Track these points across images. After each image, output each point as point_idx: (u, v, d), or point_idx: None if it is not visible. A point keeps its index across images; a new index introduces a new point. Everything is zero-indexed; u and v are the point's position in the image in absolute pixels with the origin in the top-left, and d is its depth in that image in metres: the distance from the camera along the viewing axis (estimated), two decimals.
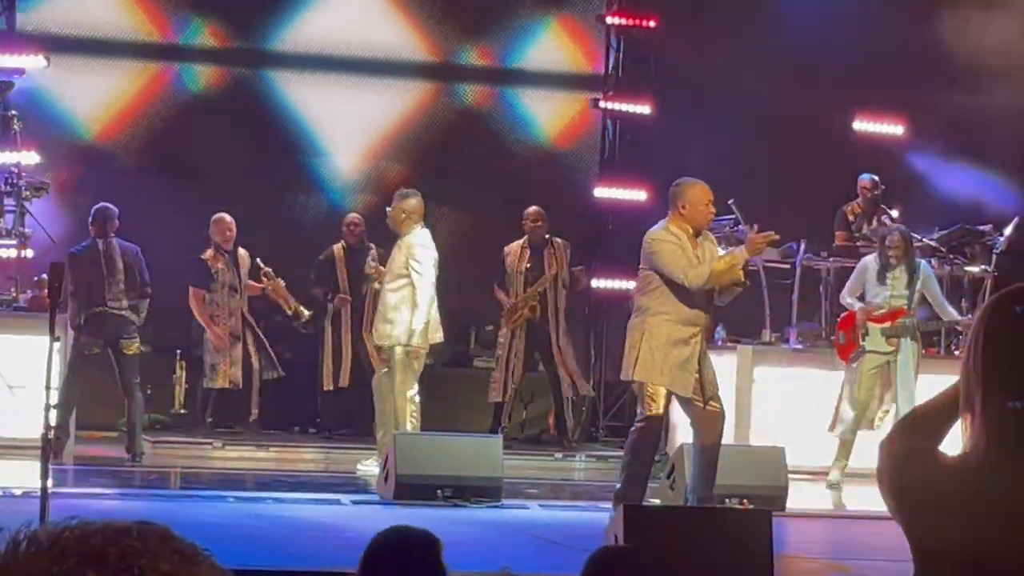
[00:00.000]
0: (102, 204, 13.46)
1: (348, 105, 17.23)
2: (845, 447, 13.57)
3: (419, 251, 12.56)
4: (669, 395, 10.21)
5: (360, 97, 17.32)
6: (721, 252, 15.26)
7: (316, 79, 17.25)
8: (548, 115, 17.97)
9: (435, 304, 12.64)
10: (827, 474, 13.66)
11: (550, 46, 17.88)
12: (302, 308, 15.08)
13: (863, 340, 13.64)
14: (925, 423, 2.89)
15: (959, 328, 14.11)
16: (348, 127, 17.26)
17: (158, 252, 14.23)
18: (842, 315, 14.02)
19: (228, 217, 14.83)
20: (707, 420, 10.16)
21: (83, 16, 16.57)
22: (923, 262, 13.91)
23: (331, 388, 15.34)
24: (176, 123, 16.74)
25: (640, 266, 10.44)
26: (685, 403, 10.24)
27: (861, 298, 13.76)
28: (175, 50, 16.95)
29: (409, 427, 12.42)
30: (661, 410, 10.20)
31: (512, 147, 17.71)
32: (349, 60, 17.23)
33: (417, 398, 12.62)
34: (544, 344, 15.50)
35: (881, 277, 13.59)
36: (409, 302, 12.58)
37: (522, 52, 17.78)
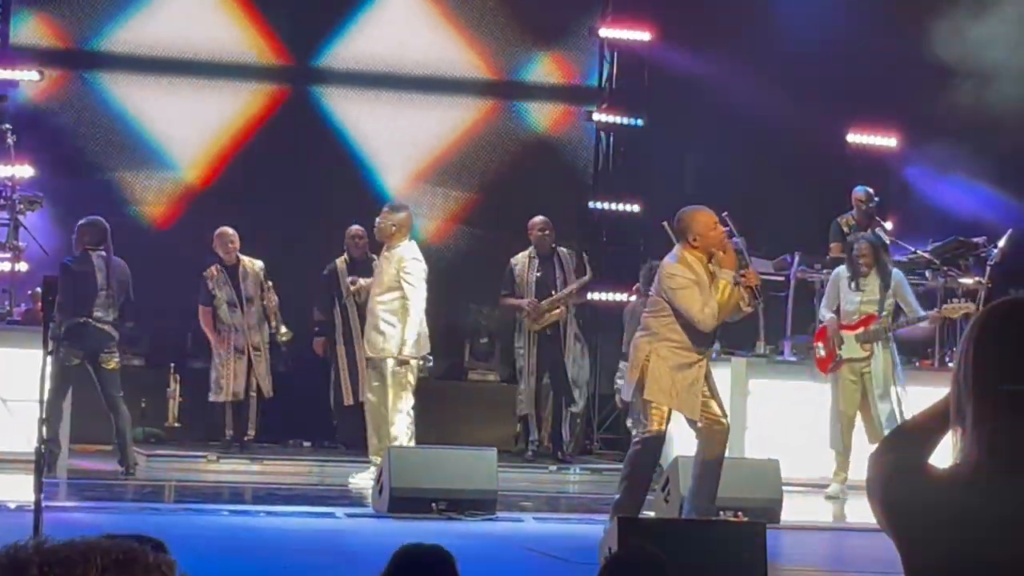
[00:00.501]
0: (95, 217, 13.43)
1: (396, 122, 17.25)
2: (842, 459, 13.58)
3: (410, 264, 12.67)
4: (671, 412, 10.22)
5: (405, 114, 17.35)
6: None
7: (367, 96, 17.28)
8: (543, 127, 17.98)
9: (424, 317, 12.74)
10: (822, 486, 13.68)
11: (544, 58, 17.90)
12: (284, 328, 15.03)
13: (839, 349, 13.69)
14: (914, 436, 2.88)
15: (926, 323, 14.06)
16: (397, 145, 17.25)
17: (153, 265, 14.29)
18: (817, 328, 14.07)
19: (230, 230, 14.83)
20: (714, 436, 10.20)
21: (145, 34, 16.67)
22: (895, 269, 13.95)
23: (352, 403, 15.26)
24: (222, 140, 16.76)
25: (651, 289, 10.47)
26: (692, 420, 10.28)
27: (839, 309, 13.81)
28: (231, 68, 16.97)
29: (404, 441, 12.44)
30: (664, 427, 10.23)
31: (506, 160, 17.71)
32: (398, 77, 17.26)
33: (411, 412, 12.64)
34: (557, 355, 15.49)
35: (853, 284, 13.66)
36: (401, 314, 12.66)
37: (519, 66, 17.82)
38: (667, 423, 10.23)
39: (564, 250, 15.65)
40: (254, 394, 14.90)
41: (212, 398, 14.85)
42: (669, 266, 10.21)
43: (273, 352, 15.45)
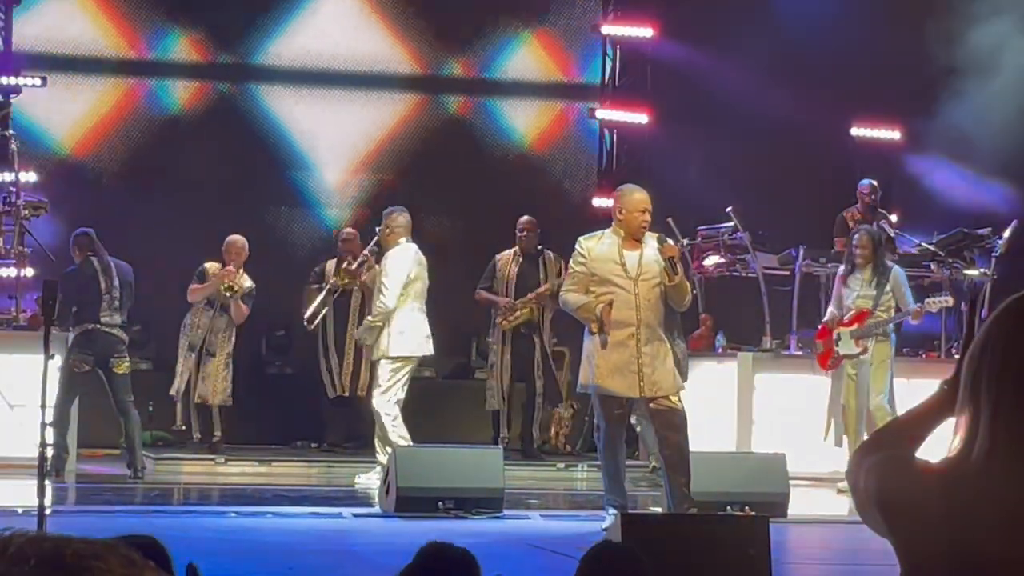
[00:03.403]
0: (82, 229, 13.50)
1: (339, 118, 17.31)
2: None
3: (390, 264, 12.79)
4: (614, 399, 10.27)
5: (350, 110, 17.40)
6: (719, 260, 15.41)
7: (302, 93, 17.33)
8: (546, 125, 17.99)
9: (421, 317, 12.78)
10: (829, 480, 13.67)
11: (545, 55, 17.91)
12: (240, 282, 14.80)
13: (836, 346, 13.67)
14: (900, 434, 2.85)
15: (910, 318, 13.91)
16: (339, 140, 17.32)
17: (155, 268, 14.33)
18: (820, 325, 14.06)
19: (241, 240, 14.79)
20: (663, 418, 10.23)
21: (63, 34, 16.68)
22: (896, 266, 13.89)
23: (333, 395, 15.34)
24: (161, 139, 16.82)
25: None
26: (641, 404, 10.35)
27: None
28: (158, 66, 17.07)
29: (392, 438, 12.47)
30: (611, 416, 10.30)
31: (511, 159, 17.73)
32: (336, 74, 17.32)
33: (395, 411, 12.65)
34: (529, 354, 15.46)
35: (849, 280, 13.64)
36: (394, 315, 12.75)
37: (516, 62, 17.82)
38: (612, 408, 10.29)
39: (551, 253, 15.59)
40: (219, 404, 14.78)
41: (173, 392, 14.82)
42: (578, 241, 10.52)
43: (277, 353, 15.44)
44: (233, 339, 14.73)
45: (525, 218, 15.54)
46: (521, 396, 15.61)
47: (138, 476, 13.21)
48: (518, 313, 15.28)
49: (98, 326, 13.16)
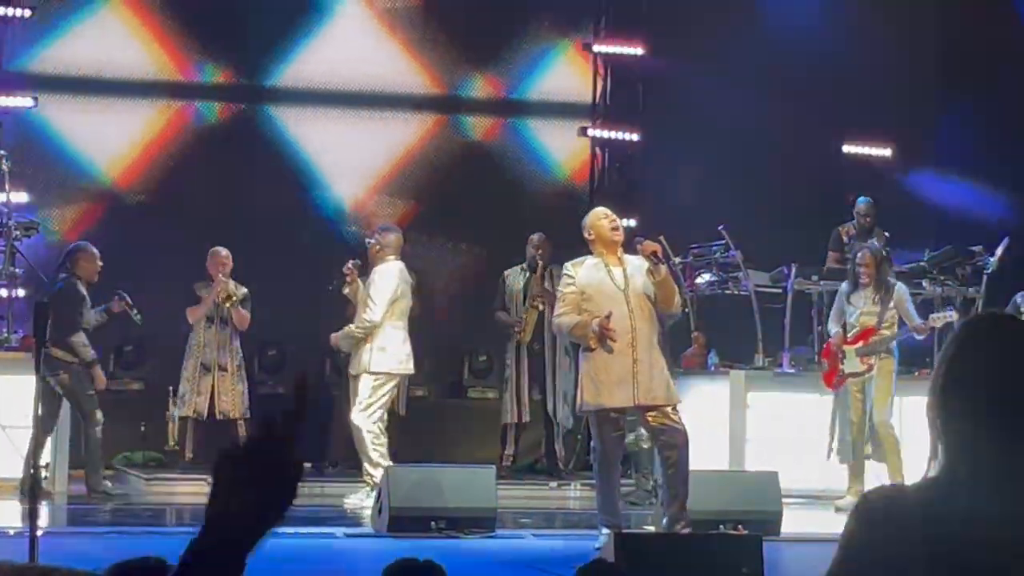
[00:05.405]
0: (82, 242, 13.49)
1: (349, 138, 17.29)
2: (855, 472, 13.54)
3: (377, 279, 12.89)
4: (610, 417, 10.28)
5: (362, 130, 17.38)
6: (711, 278, 15.41)
7: (318, 114, 17.32)
8: (540, 145, 18.00)
9: (403, 336, 12.88)
10: (823, 497, 13.67)
11: (543, 75, 17.92)
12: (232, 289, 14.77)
13: (842, 364, 13.67)
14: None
15: (915, 334, 13.92)
16: (350, 161, 17.31)
17: (149, 289, 14.31)
18: (824, 344, 14.06)
19: (224, 251, 14.78)
20: (666, 436, 10.22)
21: (80, 56, 16.67)
22: (899, 283, 13.90)
23: None
24: (180, 160, 16.79)
25: None
26: (640, 417, 10.34)
27: (846, 324, 13.80)
28: (181, 88, 17.02)
29: (374, 456, 12.51)
30: (607, 437, 10.32)
31: (506, 177, 17.73)
32: (349, 94, 17.33)
33: (375, 428, 12.69)
34: (541, 370, 15.49)
35: (851, 296, 13.66)
36: (378, 331, 12.80)
37: (520, 82, 17.83)
38: (610, 430, 10.29)
39: (557, 267, 15.61)
40: (239, 417, 14.76)
41: (176, 413, 14.80)
42: (564, 267, 10.70)
43: (273, 373, 15.39)
44: (240, 352, 14.76)
45: (537, 235, 15.52)
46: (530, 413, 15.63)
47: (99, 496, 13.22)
48: (527, 317, 15.30)
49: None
